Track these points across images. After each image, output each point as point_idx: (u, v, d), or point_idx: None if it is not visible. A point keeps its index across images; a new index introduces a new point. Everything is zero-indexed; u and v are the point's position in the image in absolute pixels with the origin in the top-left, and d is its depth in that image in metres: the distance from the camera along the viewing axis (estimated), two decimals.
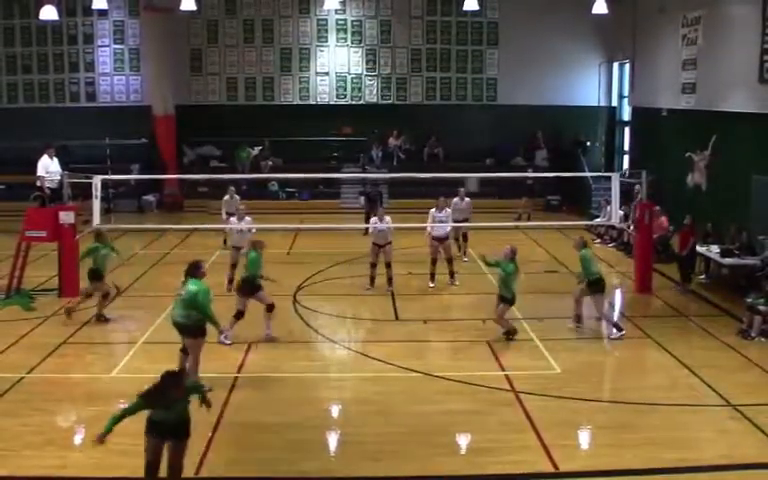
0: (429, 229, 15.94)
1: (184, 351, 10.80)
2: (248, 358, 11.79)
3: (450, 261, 16.18)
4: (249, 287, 12.56)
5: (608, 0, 21.70)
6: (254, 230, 15.54)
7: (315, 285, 15.79)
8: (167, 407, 7.41)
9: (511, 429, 9.44)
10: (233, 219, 16.07)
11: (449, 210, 16.48)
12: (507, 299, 12.60)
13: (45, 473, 8.32)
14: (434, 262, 16.02)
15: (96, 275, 13.69)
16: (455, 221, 17.06)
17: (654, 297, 15.56)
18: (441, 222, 15.96)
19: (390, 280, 15.71)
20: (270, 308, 12.62)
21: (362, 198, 22.31)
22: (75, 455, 8.84)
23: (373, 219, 16.23)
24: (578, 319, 13.48)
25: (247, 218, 15.83)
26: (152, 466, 7.54)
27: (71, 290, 15.12)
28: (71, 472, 8.36)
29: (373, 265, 15.76)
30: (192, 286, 10.41)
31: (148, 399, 7.41)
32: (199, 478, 8.25)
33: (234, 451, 8.89)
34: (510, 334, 12.68)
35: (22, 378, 10.89)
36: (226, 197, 18.51)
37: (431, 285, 16.09)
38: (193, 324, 10.37)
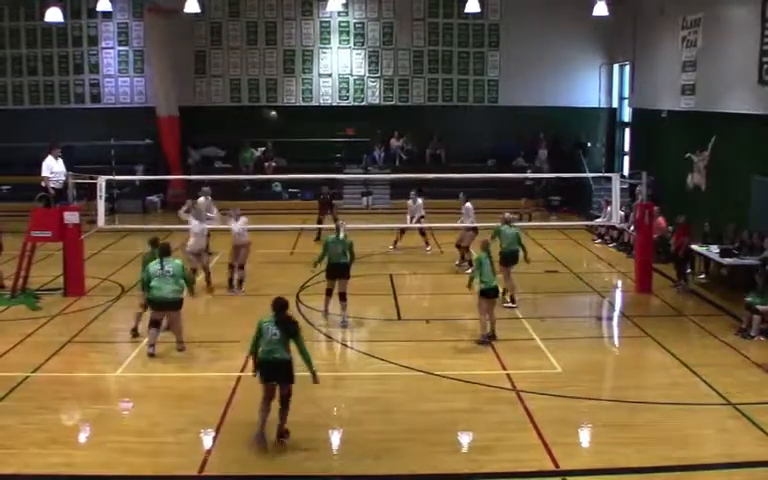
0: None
1: (155, 325, 11.67)
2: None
3: (467, 249, 17.58)
4: None
5: (609, 2, 21.80)
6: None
7: (318, 285, 15.79)
8: (286, 331, 8.76)
9: (512, 427, 9.50)
10: (195, 221, 15.91)
11: (469, 205, 17.82)
12: (482, 291, 12.33)
13: (50, 471, 8.37)
14: (459, 246, 17.95)
15: None
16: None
17: (654, 297, 15.62)
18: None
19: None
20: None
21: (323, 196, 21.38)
22: (80, 453, 8.89)
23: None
24: (510, 297, 14.52)
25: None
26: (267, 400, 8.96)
27: (76, 289, 15.27)
28: (76, 470, 8.40)
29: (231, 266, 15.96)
30: (176, 260, 11.77)
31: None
32: (203, 476, 8.33)
33: (238, 450, 8.93)
34: (490, 338, 12.42)
35: (27, 377, 10.96)
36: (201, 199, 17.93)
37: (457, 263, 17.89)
38: (181, 296, 11.68)
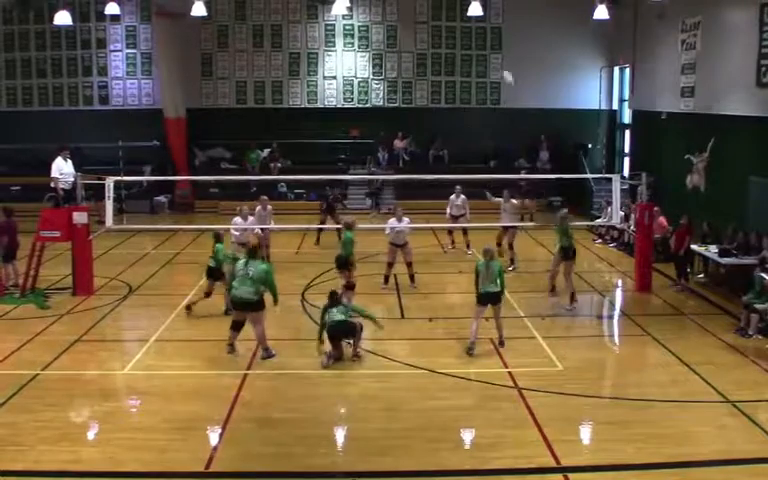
0: (448, 211, 19.38)
1: (235, 328, 11.85)
2: (257, 356, 11.94)
3: (465, 232, 19.26)
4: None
5: (609, 6, 21.92)
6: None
7: (323, 284, 15.93)
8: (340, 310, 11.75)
9: (514, 425, 9.58)
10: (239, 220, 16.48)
11: (464, 197, 19.16)
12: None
13: (59, 467, 8.43)
14: (450, 232, 19.79)
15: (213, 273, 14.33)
16: (454, 217, 19.42)
17: (654, 296, 15.74)
18: (458, 206, 19.25)
19: (412, 277, 16.19)
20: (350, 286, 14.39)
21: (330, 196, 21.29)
22: (89, 450, 8.97)
23: (391, 220, 16.46)
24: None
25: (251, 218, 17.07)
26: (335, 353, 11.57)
27: (84, 289, 15.43)
28: (85, 467, 8.47)
29: (390, 264, 16.19)
30: (261, 264, 11.81)
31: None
32: (209, 473, 8.42)
33: (243, 447, 9.03)
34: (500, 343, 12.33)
35: (37, 375, 11.07)
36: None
37: (446, 250, 19.70)
38: (259, 299, 11.65)
